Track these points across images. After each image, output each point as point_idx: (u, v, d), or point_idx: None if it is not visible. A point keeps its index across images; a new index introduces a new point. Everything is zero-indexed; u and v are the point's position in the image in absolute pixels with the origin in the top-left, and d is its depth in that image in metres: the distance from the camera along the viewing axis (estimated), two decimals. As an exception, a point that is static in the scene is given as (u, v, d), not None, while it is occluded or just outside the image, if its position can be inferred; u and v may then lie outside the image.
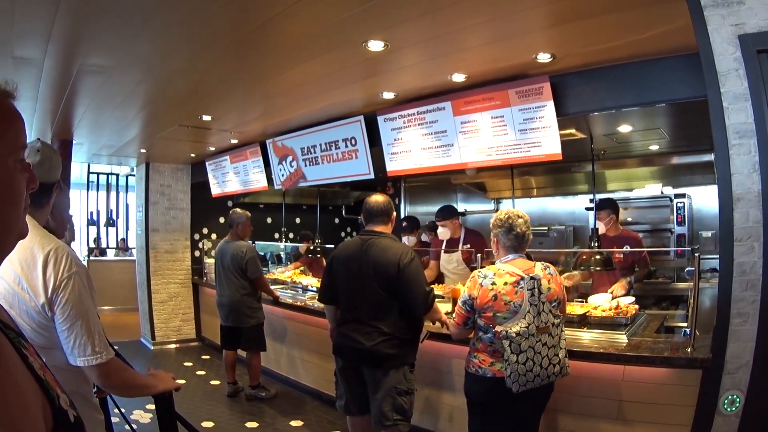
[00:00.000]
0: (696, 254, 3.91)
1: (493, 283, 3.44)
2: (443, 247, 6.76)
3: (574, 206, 8.51)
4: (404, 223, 7.26)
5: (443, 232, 6.65)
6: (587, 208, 6.57)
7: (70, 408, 1.10)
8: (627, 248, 5.54)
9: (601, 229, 5.76)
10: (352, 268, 4.22)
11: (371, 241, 4.20)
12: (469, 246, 6.43)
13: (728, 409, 3.03)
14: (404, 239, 7.10)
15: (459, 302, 3.64)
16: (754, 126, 2.90)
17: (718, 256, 5.81)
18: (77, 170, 13.31)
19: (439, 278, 7.00)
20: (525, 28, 3.73)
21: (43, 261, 2.10)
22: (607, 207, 5.91)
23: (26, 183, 1.11)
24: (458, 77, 4.74)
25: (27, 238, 1.15)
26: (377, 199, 4.32)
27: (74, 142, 7.58)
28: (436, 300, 4.33)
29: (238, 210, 6.86)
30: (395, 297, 4.06)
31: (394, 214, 4.43)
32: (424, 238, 7.47)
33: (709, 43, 2.99)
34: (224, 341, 6.84)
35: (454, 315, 3.74)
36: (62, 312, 2.09)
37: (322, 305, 4.87)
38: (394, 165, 5.82)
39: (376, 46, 3.95)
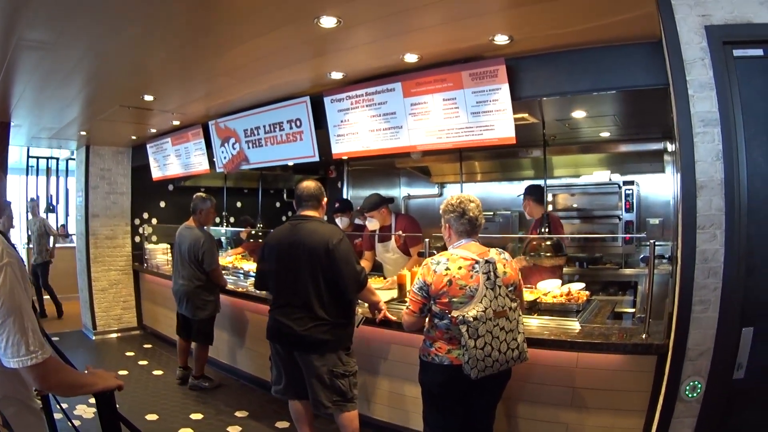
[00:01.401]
0: (651, 241, 3.92)
1: (447, 269, 3.38)
2: (376, 236, 6.73)
3: (520, 192, 8.44)
4: (336, 204, 7.19)
5: (372, 224, 6.61)
6: (522, 195, 6.59)
7: (3, 429, 0.95)
8: (546, 230, 5.50)
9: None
10: (282, 253, 4.25)
11: (300, 225, 4.25)
12: (401, 232, 6.41)
13: (690, 396, 3.08)
14: (337, 220, 7.10)
15: (414, 289, 3.55)
16: (719, 115, 2.92)
17: (665, 243, 5.99)
18: (16, 154, 12.80)
19: (378, 268, 6.99)
20: (484, 8, 3.63)
21: None
22: (524, 193, 6.29)
23: None
24: (411, 57, 4.61)
25: None
26: (308, 184, 4.37)
27: (12, 124, 7.21)
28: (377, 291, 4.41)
29: (203, 195, 6.59)
30: (326, 279, 4.09)
31: (325, 199, 4.46)
32: (358, 221, 7.37)
33: (676, 31, 3.00)
34: (179, 328, 6.69)
35: (408, 304, 3.62)
36: None
37: (261, 292, 5.06)
38: (340, 147, 5.68)
39: (328, 22, 3.78)
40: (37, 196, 13.18)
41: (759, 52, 2.92)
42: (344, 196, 9.75)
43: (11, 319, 1.92)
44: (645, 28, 3.55)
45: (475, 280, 3.32)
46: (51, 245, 10.54)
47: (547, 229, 5.18)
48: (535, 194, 6.08)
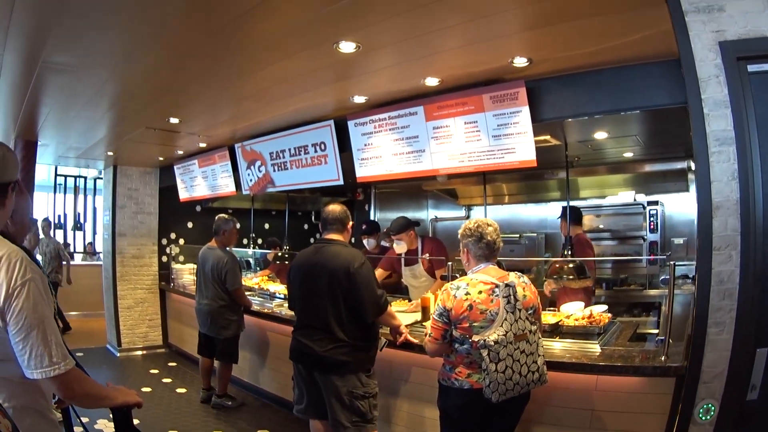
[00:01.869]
0: (671, 263, 3.88)
1: (467, 293, 3.37)
2: (402, 259, 6.70)
3: (546, 213, 8.47)
4: (363, 226, 7.22)
5: (400, 247, 6.55)
6: (559, 218, 6.55)
7: None
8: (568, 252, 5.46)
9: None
10: (305, 275, 4.31)
11: (323, 248, 4.30)
12: (428, 255, 6.39)
13: (703, 418, 3.05)
14: (364, 242, 7.14)
15: (434, 316, 3.53)
16: (734, 133, 2.89)
17: (689, 263, 5.92)
18: (44, 172, 13.01)
19: (401, 290, 6.99)
20: (502, 31, 3.66)
21: None
22: (560, 215, 6.14)
23: None
24: (431, 81, 4.66)
25: None
26: (333, 208, 4.42)
27: (39, 143, 7.37)
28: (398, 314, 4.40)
29: (225, 216, 6.70)
30: (347, 302, 4.11)
31: (351, 223, 4.49)
32: (385, 243, 7.38)
33: (691, 49, 2.98)
34: (201, 348, 6.73)
35: (429, 331, 3.59)
36: (16, 322, 1.96)
37: (287, 312, 5.16)
38: (363, 171, 5.73)
39: (347, 47, 3.85)
40: (65, 215, 13.36)
41: (773, 66, 2.88)
42: (371, 219, 9.77)
43: (34, 332, 1.97)
44: (662, 46, 3.51)
45: (496, 304, 3.31)
46: (64, 270, 10.64)
47: (569, 252, 5.14)
48: (565, 216, 6.05)
